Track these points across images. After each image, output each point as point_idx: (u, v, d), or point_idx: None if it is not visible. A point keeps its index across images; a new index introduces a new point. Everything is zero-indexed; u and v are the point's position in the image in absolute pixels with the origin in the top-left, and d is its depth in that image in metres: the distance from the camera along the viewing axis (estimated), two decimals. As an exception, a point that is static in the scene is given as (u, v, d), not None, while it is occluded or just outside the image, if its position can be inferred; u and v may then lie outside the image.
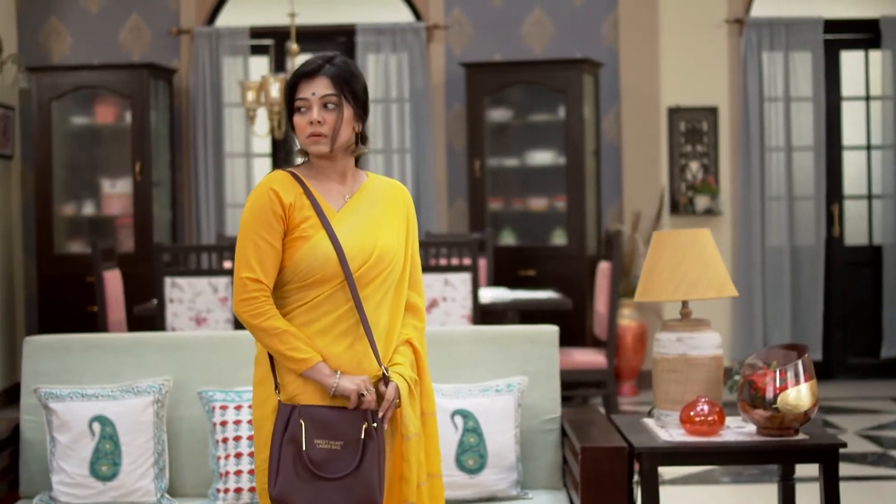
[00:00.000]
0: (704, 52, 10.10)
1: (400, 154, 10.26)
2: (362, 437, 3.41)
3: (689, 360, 4.36)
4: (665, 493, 6.38)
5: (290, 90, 3.54)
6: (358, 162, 3.64)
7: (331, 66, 3.50)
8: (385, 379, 3.49)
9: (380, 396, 3.48)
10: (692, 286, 4.38)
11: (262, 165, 10.63)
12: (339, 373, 3.44)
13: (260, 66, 10.38)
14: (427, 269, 7.31)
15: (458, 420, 4.49)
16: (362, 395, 3.42)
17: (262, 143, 10.43)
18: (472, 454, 4.47)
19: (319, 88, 3.47)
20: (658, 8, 10.05)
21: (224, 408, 4.54)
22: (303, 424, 3.42)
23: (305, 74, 3.51)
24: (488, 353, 4.72)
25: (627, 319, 9.88)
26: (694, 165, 10.14)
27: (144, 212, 9.73)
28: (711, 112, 10.12)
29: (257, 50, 10.39)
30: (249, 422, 4.47)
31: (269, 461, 3.44)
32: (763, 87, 10.12)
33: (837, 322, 10.39)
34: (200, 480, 4.65)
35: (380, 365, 3.49)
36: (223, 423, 4.52)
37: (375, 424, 3.43)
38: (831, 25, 10.23)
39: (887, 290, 10.23)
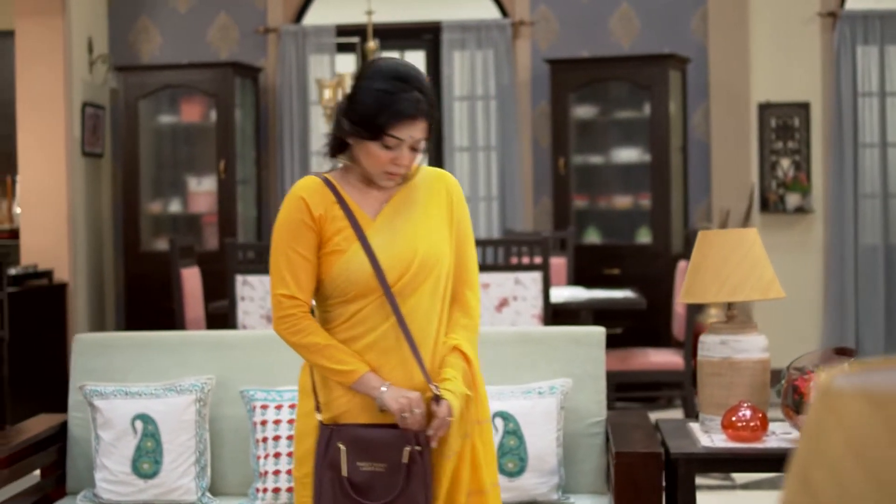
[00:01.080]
0: (796, 47, 9.88)
1: (486, 151, 10.20)
2: (404, 461, 3.23)
3: (733, 364, 4.23)
4: (727, 499, 6.24)
5: (384, 121, 3.19)
6: None
7: (427, 102, 3.22)
8: (437, 398, 3.25)
9: (431, 415, 3.25)
10: (737, 287, 4.23)
11: (349, 163, 10.62)
12: (387, 385, 3.25)
13: (346, 63, 10.39)
14: (498, 267, 7.24)
15: (499, 422, 4.42)
16: (404, 415, 3.22)
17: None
18: (511, 457, 4.39)
19: (416, 133, 3.22)
20: (748, 1, 9.85)
21: (265, 407, 4.51)
22: (342, 449, 3.26)
23: (408, 116, 3.19)
24: (533, 354, 4.63)
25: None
26: (785, 162, 9.93)
27: (229, 210, 9.80)
28: (803, 108, 9.89)
29: (344, 48, 10.40)
30: (290, 421, 4.45)
31: (312, 488, 3.30)
32: (857, 82, 9.87)
33: (934, 322, 10.11)
34: (242, 480, 4.63)
35: (429, 382, 3.26)
36: (263, 423, 4.50)
37: (420, 448, 3.23)
38: (929, 18, 9.95)
39: None
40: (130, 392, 4.59)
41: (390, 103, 3.17)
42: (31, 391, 8.73)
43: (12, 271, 8.77)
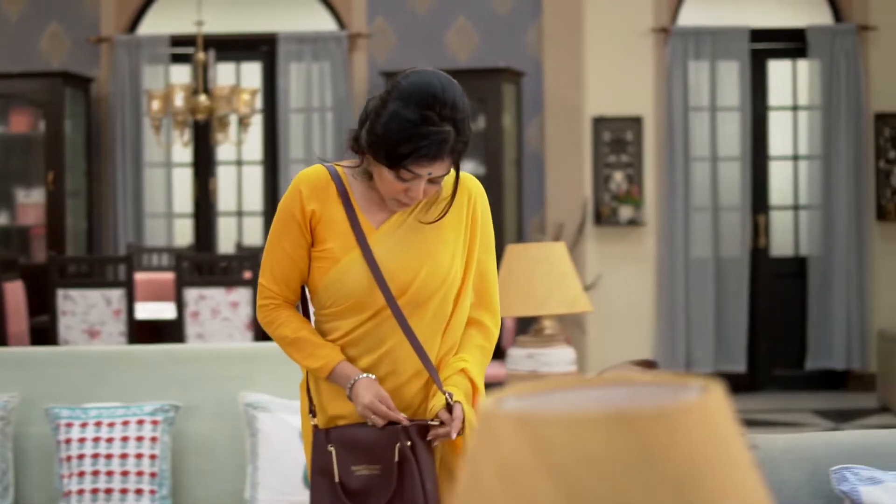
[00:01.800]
0: (629, 62, 10.02)
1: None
2: (396, 459, 2.95)
3: (539, 377, 4.25)
4: None
5: (404, 154, 2.84)
6: None
7: (456, 138, 2.87)
8: (449, 405, 2.96)
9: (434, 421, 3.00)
10: (543, 301, 4.26)
11: (183, 175, 10.49)
12: (362, 375, 2.97)
13: (181, 74, 10.25)
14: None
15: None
16: (371, 416, 2.95)
17: (183, 153, 10.29)
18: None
19: (437, 170, 2.89)
20: (583, 17, 9.96)
21: (70, 425, 4.42)
22: (333, 452, 3.01)
23: (430, 157, 2.86)
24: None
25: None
26: (618, 176, 10.05)
27: (57, 222, 9.59)
28: (636, 122, 10.03)
29: (179, 58, 10.26)
30: (95, 439, 4.36)
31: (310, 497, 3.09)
32: (688, 97, 10.04)
33: (763, 334, 10.30)
34: (46, 499, 4.52)
35: (440, 387, 2.98)
36: (67, 441, 4.40)
37: (412, 443, 2.95)
38: (758, 35, 10.16)
39: (812, 302, 10.15)
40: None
41: (414, 139, 2.82)
42: None
43: None
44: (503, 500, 0.94)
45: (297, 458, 4.32)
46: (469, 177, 3.12)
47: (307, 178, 3.02)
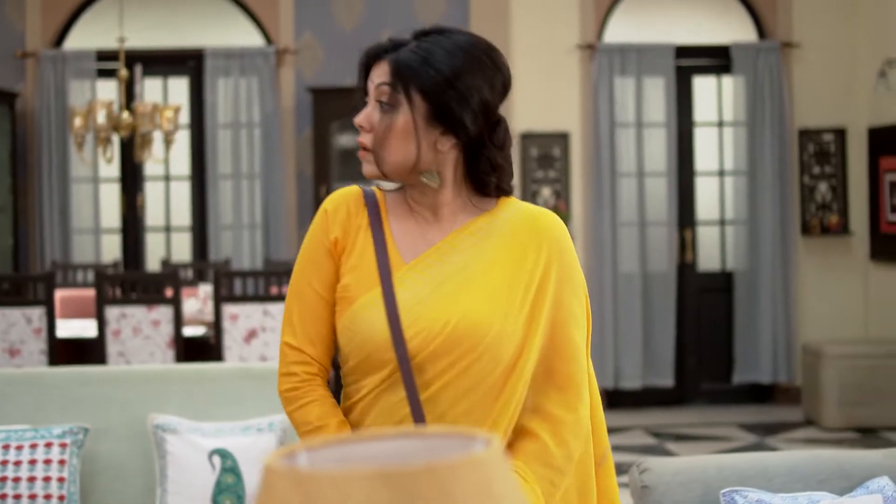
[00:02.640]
0: (556, 78, 10.08)
1: (249, 179, 10.13)
2: None
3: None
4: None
5: (364, 72, 2.42)
6: (497, 189, 2.44)
7: (415, 43, 2.37)
8: None
9: None
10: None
11: (110, 191, 10.43)
12: None
13: (109, 89, 10.20)
14: (250, 298, 7.19)
15: (216, 460, 4.38)
16: None
17: (111, 168, 10.24)
18: (229, 494, 4.35)
19: (378, 76, 2.37)
20: (509, 32, 10.02)
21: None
22: None
23: (373, 55, 2.40)
24: (254, 389, 4.60)
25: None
26: (546, 191, 10.10)
27: (-18, 238, 9.53)
28: (563, 137, 10.09)
29: (106, 73, 10.21)
30: (3, 462, 4.33)
31: None
32: (615, 113, 10.11)
33: (690, 348, 10.38)
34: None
35: None
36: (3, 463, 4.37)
37: None
38: (683, 51, 10.25)
39: (739, 316, 10.24)
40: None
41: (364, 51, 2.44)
42: None
43: None
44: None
45: (205, 479, 4.32)
46: (547, 215, 2.46)
47: (333, 199, 2.47)
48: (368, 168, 2.39)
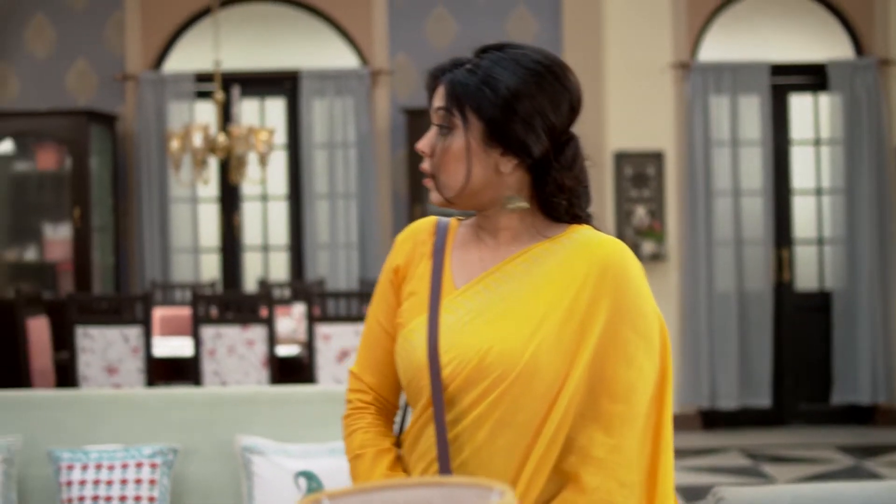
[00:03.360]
0: (650, 97, 10.05)
1: (345, 199, 10.24)
2: None
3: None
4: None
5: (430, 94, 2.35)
6: (569, 214, 2.35)
7: (472, 63, 2.29)
8: None
9: None
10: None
11: (209, 210, 10.61)
12: None
13: (207, 110, 10.38)
14: (342, 318, 7.27)
15: (302, 482, 4.44)
16: None
17: (210, 189, 10.41)
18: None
19: (436, 98, 2.30)
20: (603, 53, 10.01)
21: (70, 467, 4.48)
22: None
23: (434, 77, 2.34)
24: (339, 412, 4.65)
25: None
26: (640, 210, 10.07)
27: (84, 258, 9.73)
28: (657, 157, 10.05)
29: (204, 95, 10.39)
30: (95, 482, 4.43)
31: None
32: (710, 131, 10.06)
33: (788, 368, 10.27)
34: (48, 541, 4.60)
35: None
36: (69, 483, 4.47)
37: None
38: (779, 69, 10.17)
39: (837, 336, 10.12)
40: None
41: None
42: None
43: None
44: None
45: (291, 501, 4.38)
46: (609, 244, 2.33)
47: (407, 229, 2.44)
48: (434, 196, 2.30)
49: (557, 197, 2.31)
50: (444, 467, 2.20)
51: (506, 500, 0.98)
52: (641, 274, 2.30)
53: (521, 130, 2.23)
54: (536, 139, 2.24)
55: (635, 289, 2.25)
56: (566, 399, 2.17)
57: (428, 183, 2.31)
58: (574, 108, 2.34)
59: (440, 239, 2.36)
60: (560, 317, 2.21)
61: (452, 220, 2.43)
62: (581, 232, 2.34)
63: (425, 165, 2.30)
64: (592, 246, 2.29)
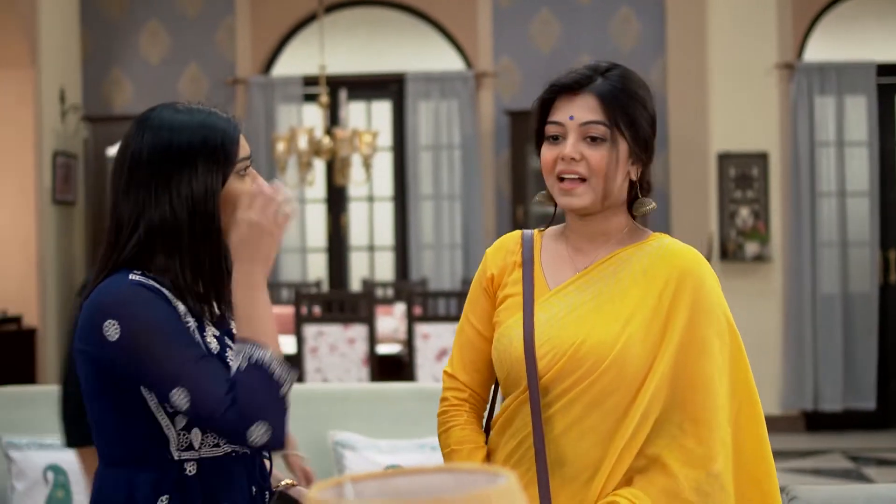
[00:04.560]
0: (754, 98, 10.03)
1: (449, 200, 10.37)
2: None
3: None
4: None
5: (542, 109, 2.55)
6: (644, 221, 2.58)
7: (605, 79, 2.49)
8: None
9: None
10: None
11: (317, 211, 10.82)
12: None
13: (314, 113, 10.58)
14: (441, 318, 7.39)
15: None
16: None
17: (317, 190, 10.61)
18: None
19: (581, 111, 2.47)
20: (707, 53, 10.01)
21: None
22: None
23: (566, 88, 2.51)
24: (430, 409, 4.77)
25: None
26: (744, 211, 10.06)
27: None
28: (762, 157, 10.03)
29: (312, 98, 10.59)
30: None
31: None
32: (814, 132, 10.01)
33: (893, 371, 10.18)
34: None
35: None
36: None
37: None
38: (885, 69, 10.09)
39: (944, 339, 10.03)
40: (44, 444, 4.74)
41: (550, 86, 2.57)
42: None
43: (-20, 318, 8.98)
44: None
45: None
46: (686, 250, 2.54)
47: (496, 243, 2.67)
48: (576, 202, 2.48)
49: (647, 196, 2.56)
50: (539, 443, 2.43)
51: (509, 483, 1.09)
52: (715, 281, 2.53)
53: (652, 141, 2.53)
54: (648, 153, 2.54)
55: (709, 290, 2.48)
56: (652, 387, 2.40)
57: (572, 188, 2.48)
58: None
59: (528, 249, 2.59)
60: (646, 315, 2.45)
61: (535, 232, 2.65)
62: (662, 240, 2.56)
63: (580, 169, 2.46)
64: (673, 254, 2.51)
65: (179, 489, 2.41)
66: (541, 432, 2.44)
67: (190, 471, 2.42)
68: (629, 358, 2.41)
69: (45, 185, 9.87)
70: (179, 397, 2.31)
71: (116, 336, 2.34)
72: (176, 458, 2.41)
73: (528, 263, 2.57)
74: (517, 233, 2.66)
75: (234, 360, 2.35)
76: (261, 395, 2.31)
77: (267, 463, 2.58)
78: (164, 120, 2.45)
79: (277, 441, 2.33)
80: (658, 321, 2.44)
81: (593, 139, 2.45)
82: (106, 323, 2.35)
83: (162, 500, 2.40)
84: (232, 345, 2.46)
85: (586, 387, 2.42)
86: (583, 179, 2.46)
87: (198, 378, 2.31)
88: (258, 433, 2.30)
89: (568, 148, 2.46)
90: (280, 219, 2.38)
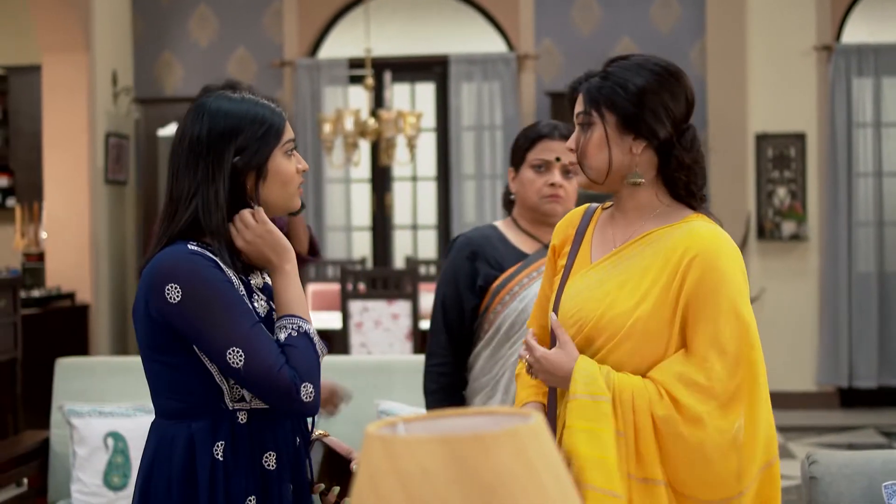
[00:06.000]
0: (792, 79, 10.17)
1: (491, 180, 10.57)
2: None
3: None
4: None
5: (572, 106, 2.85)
6: (686, 191, 2.75)
7: (595, 78, 2.80)
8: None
9: None
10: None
11: (361, 190, 11.05)
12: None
13: (359, 95, 10.80)
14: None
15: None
16: None
17: (362, 170, 10.83)
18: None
19: (577, 105, 2.80)
20: (746, 35, 10.16)
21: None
22: None
23: (574, 89, 2.85)
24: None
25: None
26: (781, 191, 10.22)
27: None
28: (799, 138, 10.18)
29: (357, 80, 10.80)
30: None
31: None
32: (852, 113, 10.14)
33: (928, 348, 10.32)
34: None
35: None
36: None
37: None
38: (923, 51, 10.21)
39: (979, 317, 10.15)
40: (104, 412, 4.99)
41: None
42: (44, 409, 9.14)
43: (36, 293, 9.26)
44: (368, 500, 1.32)
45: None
46: (703, 234, 2.70)
47: (566, 216, 2.99)
48: (580, 178, 2.80)
49: (679, 172, 2.73)
50: (552, 401, 2.80)
51: (538, 422, 1.30)
52: (734, 265, 2.69)
53: (648, 118, 2.70)
54: (661, 125, 2.70)
55: (721, 271, 2.65)
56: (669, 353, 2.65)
57: (573, 167, 2.91)
58: (690, 102, 2.81)
59: (584, 223, 2.88)
60: (658, 294, 2.66)
61: (599, 208, 2.91)
62: (693, 223, 2.74)
63: (571, 158, 2.84)
64: (696, 235, 2.69)
65: (233, 436, 2.67)
66: (553, 398, 2.80)
67: (242, 419, 2.68)
68: (640, 330, 2.64)
69: (97, 165, 10.14)
70: (235, 356, 2.57)
71: (178, 298, 2.61)
72: (231, 408, 2.67)
73: (578, 237, 2.85)
74: (584, 207, 2.95)
75: (281, 331, 2.63)
76: (309, 360, 2.61)
77: (309, 419, 2.83)
78: (221, 107, 2.76)
79: (316, 404, 2.60)
80: (669, 300, 2.64)
81: (582, 127, 2.77)
82: (168, 287, 2.62)
83: (218, 445, 2.66)
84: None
85: (608, 351, 2.67)
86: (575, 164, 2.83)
87: (253, 339, 2.58)
88: (307, 392, 2.57)
89: (569, 140, 2.82)
90: (259, 227, 2.67)
